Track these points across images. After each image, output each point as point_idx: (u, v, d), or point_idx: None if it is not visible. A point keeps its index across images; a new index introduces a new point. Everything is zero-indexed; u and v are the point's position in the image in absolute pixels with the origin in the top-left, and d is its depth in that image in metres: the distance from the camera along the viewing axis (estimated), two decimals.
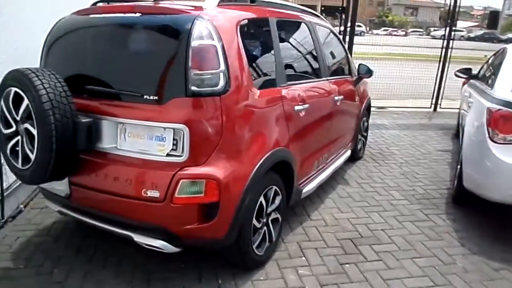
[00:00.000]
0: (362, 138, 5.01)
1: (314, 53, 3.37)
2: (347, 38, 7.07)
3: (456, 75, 5.24)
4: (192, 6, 2.34)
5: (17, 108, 2.22)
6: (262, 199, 2.55)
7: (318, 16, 3.83)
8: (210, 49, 2.14)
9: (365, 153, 5.21)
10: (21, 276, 2.53)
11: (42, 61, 2.61)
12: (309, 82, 3.24)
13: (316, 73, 3.39)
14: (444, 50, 7.91)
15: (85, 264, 2.67)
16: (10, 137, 2.30)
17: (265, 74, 2.67)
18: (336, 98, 3.60)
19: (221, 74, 2.17)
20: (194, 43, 2.10)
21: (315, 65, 3.38)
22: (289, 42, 3.25)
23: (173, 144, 2.15)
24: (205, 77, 2.13)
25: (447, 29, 8.01)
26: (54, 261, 2.69)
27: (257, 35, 2.69)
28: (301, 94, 2.94)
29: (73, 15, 2.57)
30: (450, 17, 8.03)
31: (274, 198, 2.73)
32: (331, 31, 4.02)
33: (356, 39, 7.37)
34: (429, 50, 10.83)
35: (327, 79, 3.48)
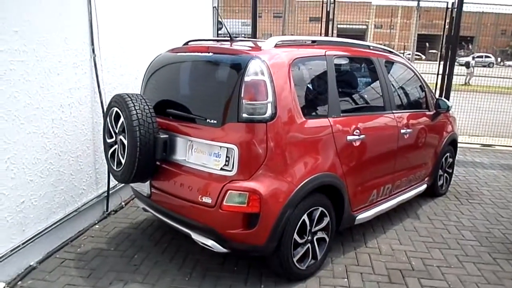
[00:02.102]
0: (445, 175, 4.85)
1: (378, 87, 3.53)
2: (447, 68, 6.85)
3: None
4: (253, 47, 2.80)
5: (116, 123, 2.90)
6: (305, 217, 2.82)
7: (391, 52, 3.96)
8: (260, 84, 2.55)
9: (449, 190, 5.02)
10: (109, 256, 3.20)
11: (142, 87, 3.32)
12: (368, 114, 3.42)
13: (379, 106, 3.54)
14: None
15: (158, 254, 3.24)
16: (111, 145, 3.00)
17: (316, 106, 2.97)
18: (403, 131, 3.68)
19: (269, 105, 2.55)
20: (247, 78, 2.53)
21: (378, 98, 3.53)
22: (349, 77, 3.48)
23: (226, 161, 2.59)
24: (255, 106, 2.53)
25: None
26: (136, 248, 3.32)
27: (310, 71, 2.99)
28: (357, 125, 3.14)
29: (167, 52, 3.23)
30: None
31: (321, 219, 2.97)
32: (407, 67, 4.10)
33: (481, 70, 7.00)
34: None
35: (393, 112, 3.60)
